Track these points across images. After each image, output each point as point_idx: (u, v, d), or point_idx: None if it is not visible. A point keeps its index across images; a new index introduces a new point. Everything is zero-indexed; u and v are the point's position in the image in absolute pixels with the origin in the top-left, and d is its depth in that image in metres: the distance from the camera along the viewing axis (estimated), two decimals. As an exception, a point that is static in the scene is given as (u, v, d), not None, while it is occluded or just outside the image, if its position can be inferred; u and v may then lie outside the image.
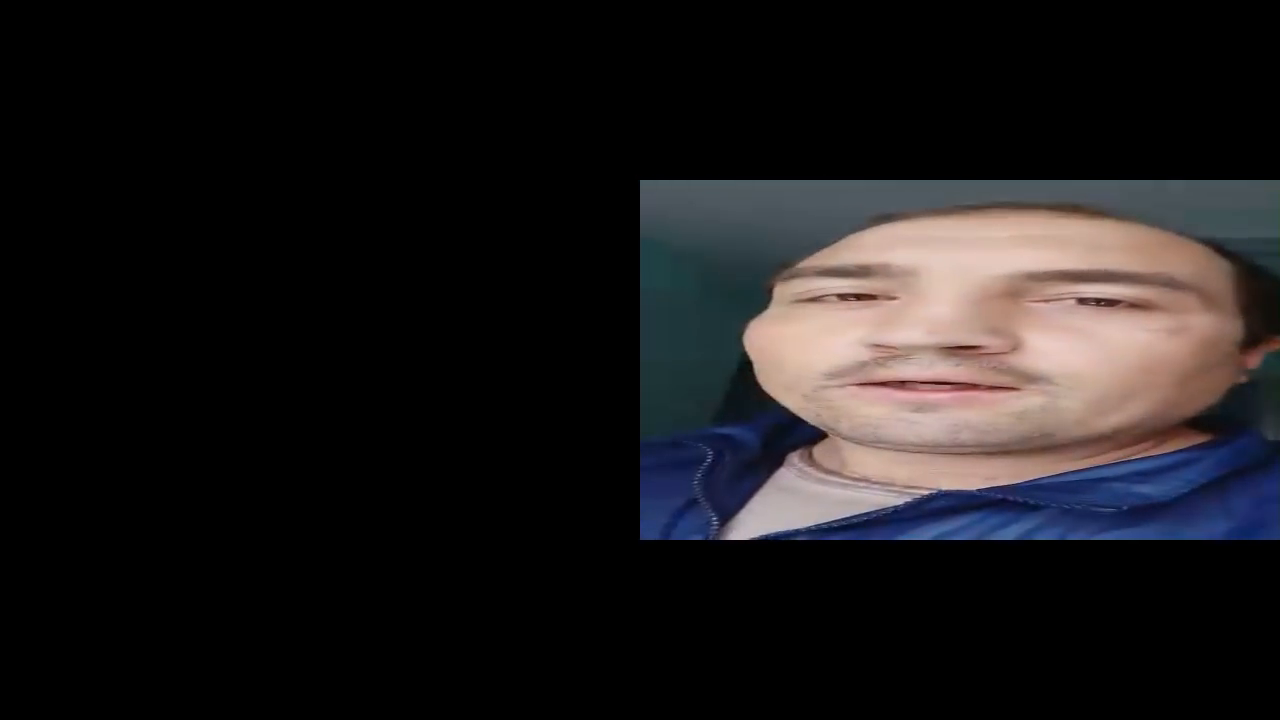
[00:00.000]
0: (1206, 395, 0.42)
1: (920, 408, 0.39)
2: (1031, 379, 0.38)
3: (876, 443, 0.41)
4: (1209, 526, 0.38)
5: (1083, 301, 0.39)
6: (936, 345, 0.38)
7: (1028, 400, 0.38)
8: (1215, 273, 0.42)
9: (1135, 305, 0.39)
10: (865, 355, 0.40)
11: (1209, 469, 0.40)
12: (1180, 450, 0.42)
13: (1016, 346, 0.38)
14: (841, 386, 0.41)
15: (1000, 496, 0.39)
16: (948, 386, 0.39)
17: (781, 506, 0.44)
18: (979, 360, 0.38)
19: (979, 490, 0.39)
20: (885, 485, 0.43)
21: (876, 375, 0.40)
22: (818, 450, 0.48)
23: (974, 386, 0.39)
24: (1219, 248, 0.43)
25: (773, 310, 0.46)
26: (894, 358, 0.39)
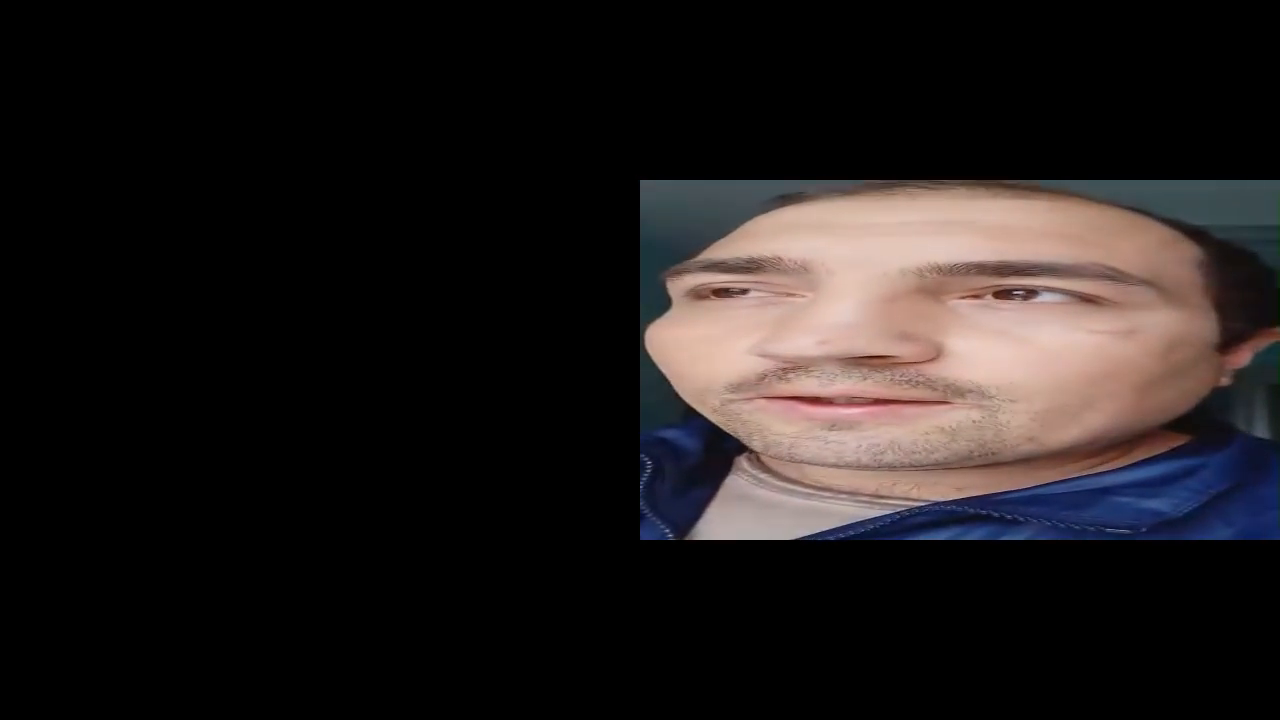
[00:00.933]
0: (1182, 401, 0.37)
1: (835, 425, 0.34)
2: (960, 391, 0.33)
3: (793, 461, 0.36)
4: (1209, 537, 0.35)
5: (1010, 298, 0.34)
6: (830, 356, 0.33)
7: (958, 415, 0.33)
8: (1177, 261, 0.36)
9: (1077, 302, 0.33)
10: (763, 366, 0.35)
11: (1213, 479, 0.36)
12: (1174, 455, 0.38)
13: (937, 354, 0.33)
14: (748, 400, 0.36)
15: (996, 514, 0.35)
16: (863, 401, 0.34)
17: (742, 518, 0.41)
18: (891, 371, 0.33)
19: (969, 504, 0.36)
20: (852, 495, 0.39)
21: (779, 389, 0.35)
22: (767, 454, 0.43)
23: (891, 400, 0.33)
24: (1189, 229, 0.38)
25: (671, 310, 0.40)
26: (794, 369, 0.34)
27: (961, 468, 0.36)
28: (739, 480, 0.43)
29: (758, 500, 0.41)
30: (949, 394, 0.33)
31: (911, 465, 0.34)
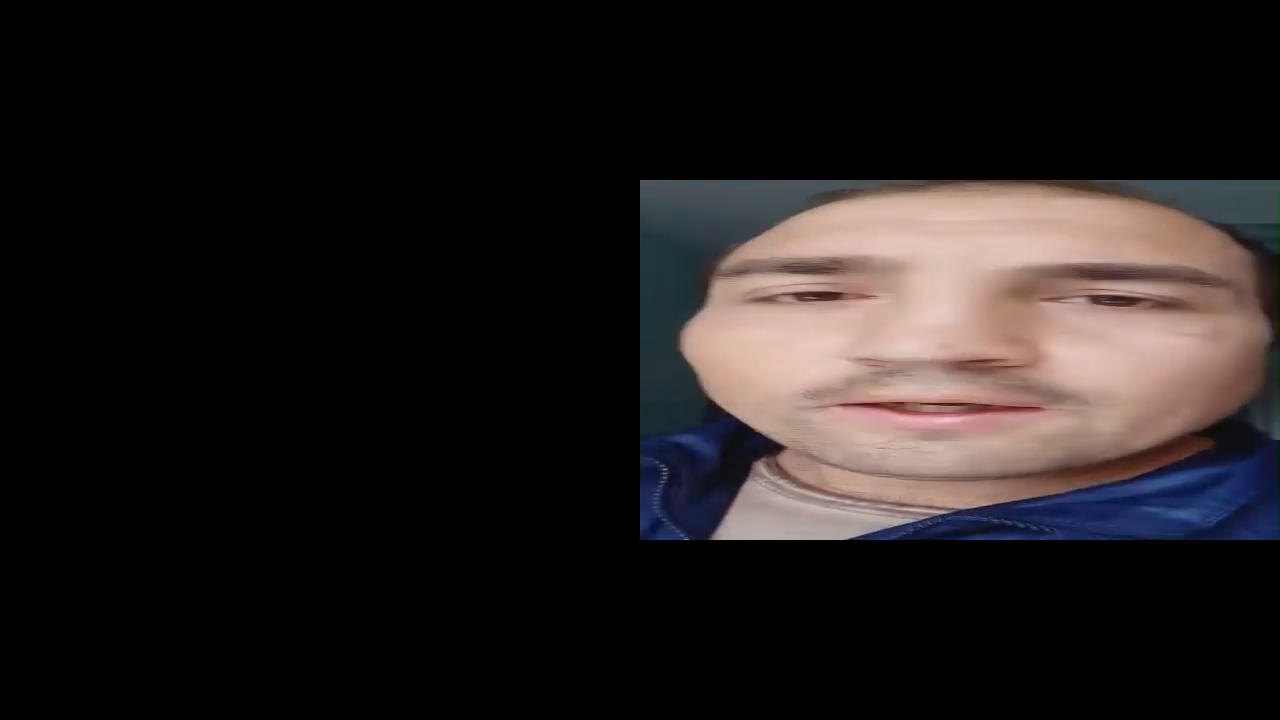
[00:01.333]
0: (1237, 404, 0.36)
1: (929, 435, 0.32)
2: (1058, 397, 0.32)
3: (879, 474, 0.34)
4: None
5: (1099, 300, 0.33)
6: (944, 360, 0.31)
7: (1056, 422, 0.32)
8: (1237, 263, 0.36)
9: (1161, 305, 0.32)
10: (853, 370, 0.33)
11: (1241, 488, 0.35)
12: (1199, 462, 0.37)
13: (1037, 358, 0.32)
14: (825, 408, 0.34)
15: (1022, 524, 0.34)
16: (957, 408, 0.32)
17: (761, 527, 0.39)
18: (993, 376, 0.31)
19: (993, 514, 0.34)
20: (874, 503, 0.37)
21: (868, 394, 0.33)
22: (786, 459, 0.43)
23: (988, 408, 0.32)
24: (1234, 233, 0.38)
25: (718, 311, 0.38)
26: (889, 373, 0.32)
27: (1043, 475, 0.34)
28: (757, 486, 0.42)
29: (776, 507, 0.40)
30: (1046, 400, 0.32)
31: (1005, 475, 0.33)
